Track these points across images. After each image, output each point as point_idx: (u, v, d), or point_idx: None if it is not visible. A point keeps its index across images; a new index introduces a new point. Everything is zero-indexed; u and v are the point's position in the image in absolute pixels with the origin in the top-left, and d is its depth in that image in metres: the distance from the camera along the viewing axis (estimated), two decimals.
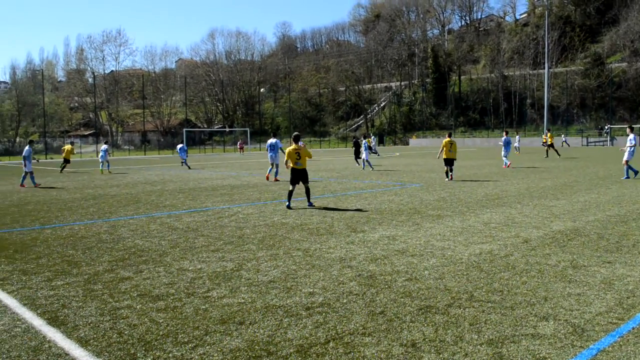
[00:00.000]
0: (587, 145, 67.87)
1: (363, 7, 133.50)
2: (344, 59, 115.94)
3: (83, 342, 5.07)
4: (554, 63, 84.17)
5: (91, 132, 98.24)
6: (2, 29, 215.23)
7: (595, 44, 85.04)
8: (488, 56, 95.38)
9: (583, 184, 18.72)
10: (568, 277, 7.00)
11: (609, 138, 67.50)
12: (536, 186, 18.34)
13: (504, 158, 28.71)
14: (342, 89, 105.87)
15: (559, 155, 38.11)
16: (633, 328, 5.24)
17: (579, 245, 8.87)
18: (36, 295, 6.60)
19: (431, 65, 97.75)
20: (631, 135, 20.70)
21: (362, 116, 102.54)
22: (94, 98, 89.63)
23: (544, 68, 77.32)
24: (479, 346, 4.85)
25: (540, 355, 4.65)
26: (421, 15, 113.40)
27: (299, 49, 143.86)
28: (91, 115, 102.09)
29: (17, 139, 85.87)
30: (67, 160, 32.45)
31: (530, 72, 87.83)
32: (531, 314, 5.64)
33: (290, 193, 14.16)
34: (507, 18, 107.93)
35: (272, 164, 22.51)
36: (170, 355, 4.77)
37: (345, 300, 6.18)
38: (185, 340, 5.10)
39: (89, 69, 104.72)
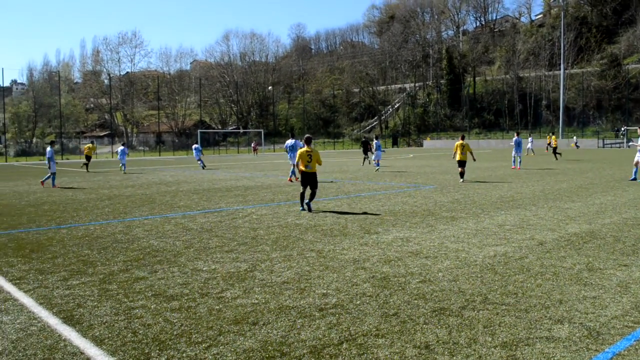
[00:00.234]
0: (604, 147, 67.28)
1: (377, 8, 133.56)
2: (358, 60, 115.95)
3: (98, 341, 5.11)
4: (569, 64, 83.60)
5: (106, 133, 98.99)
6: (19, 31, 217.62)
7: (612, 45, 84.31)
8: (503, 57, 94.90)
9: (599, 186, 18.57)
10: (583, 280, 6.94)
11: (625, 140, 66.85)
12: (551, 188, 18.22)
13: (514, 158, 29.00)
14: (356, 90, 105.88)
15: (556, 158, 37.68)
16: None
17: (595, 248, 8.80)
18: (52, 294, 6.66)
19: (446, 66, 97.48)
20: None
21: (376, 117, 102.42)
22: (109, 99, 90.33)
23: (560, 69, 76.84)
24: (492, 349, 4.82)
25: (555, 358, 4.62)
26: (436, 16, 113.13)
27: (313, 51, 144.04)
28: (106, 117, 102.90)
29: (34, 140, 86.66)
30: (88, 157, 34.78)
31: (546, 73, 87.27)
32: (546, 316, 5.61)
33: (303, 196, 13.97)
34: (522, 19, 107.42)
35: (293, 165, 22.68)
36: (184, 355, 4.80)
37: (358, 302, 6.18)
38: (199, 340, 5.13)
39: (104, 70, 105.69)
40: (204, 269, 7.82)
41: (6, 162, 55.01)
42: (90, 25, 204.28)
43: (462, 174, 21.21)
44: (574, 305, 5.96)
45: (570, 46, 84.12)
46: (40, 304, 6.28)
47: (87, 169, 34.11)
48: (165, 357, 4.76)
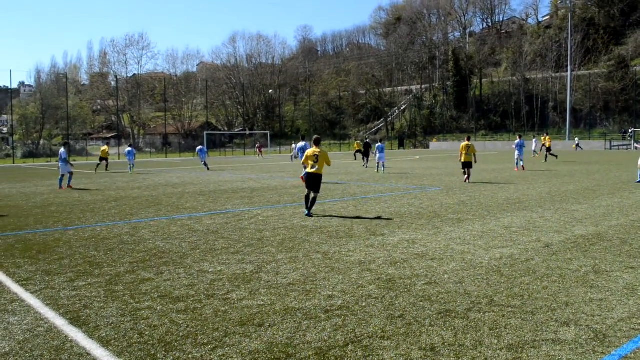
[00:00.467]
0: (611, 149, 67.01)
1: (384, 10, 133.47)
2: (365, 62, 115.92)
3: (104, 342, 5.13)
4: (577, 66, 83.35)
5: (113, 134, 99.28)
6: (27, 33, 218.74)
7: (620, 47, 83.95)
8: (510, 59, 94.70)
9: (606, 188, 18.50)
10: (590, 283, 6.92)
11: (632, 142, 66.56)
12: (558, 190, 18.16)
13: (517, 160, 29.31)
14: (363, 92, 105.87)
15: (546, 160, 37.48)
16: None
17: (602, 250, 8.77)
18: (59, 295, 6.69)
19: (452, 68, 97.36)
20: None
21: (382, 119, 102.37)
22: (116, 101, 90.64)
23: (567, 71, 76.61)
24: (498, 351, 4.81)
25: None
26: (442, 18, 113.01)
27: (319, 52, 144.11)
28: (113, 118, 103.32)
29: (41, 142, 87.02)
30: (103, 159, 36.10)
31: (553, 75, 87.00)
32: (552, 319, 5.59)
33: (307, 198, 13.40)
34: (529, 20, 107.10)
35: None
36: (190, 356, 4.81)
37: (364, 304, 6.18)
38: (205, 341, 5.14)
39: (111, 72, 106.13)
40: (210, 270, 7.84)
41: (14, 163, 55.26)
42: (97, 27, 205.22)
43: (465, 174, 21.61)
44: (580, 307, 5.94)
45: (578, 48, 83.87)
46: (47, 305, 6.30)
47: (106, 168, 35.81)
48: (171, 358, 4.77)
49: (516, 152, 29.34)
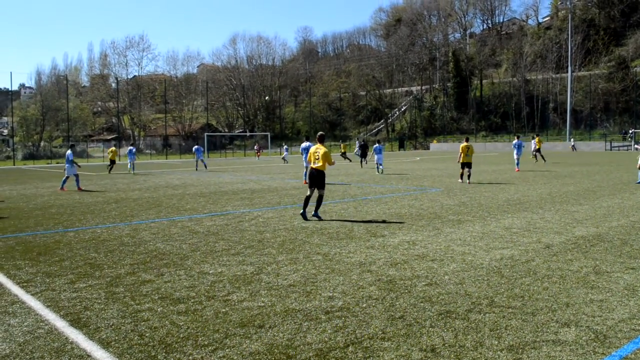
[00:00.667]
0: (611, 150, 67.00)
1: (384, 11, 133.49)
2: (365, 64, 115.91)
3: (105, 344, 5.14)
4: (577, 67, 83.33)
5: (114, 136, 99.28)
6: (27, 35, 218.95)
7: (620, 47, 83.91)
8: (510, 60, 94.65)
9: (606, 189, 18.50)
10: (590, 283, 6.92)
11: (633, 142, 66.53)
12: (558, 191, 18.16)
13: (517, 161, 29.68)
14: (363, 93, 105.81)
15: (536, 160, 37.57)
16: None
17: (602, 251, 8.77)
18: (59, 297, 6.70)
19: (452, 69, 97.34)
20: None
21: (382, 120, 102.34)
22: (116, 103, 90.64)
23: (567, 72, 76.59)
24: (499, 352, 4.81)
25: None
26: (442, 19, 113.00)
27: (320, 54, 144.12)
28: (114, 120, 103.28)
29: (42, 144, 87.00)
30: (112, 162, 36.41)
31: (553, 75, 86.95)
32: (552, 320, 5.59)
33: (307, 199, 12.97)
34: (529, 21, 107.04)
35: (306, 168, 23.00)
36: (191, 357, 4.81)
37: (364, 305, 6.18)
38: (206, 343, 5.14)
39: (112, 74, 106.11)
40: (211, 272, 7.84)
41: (14, 165, 55.27)
42: (97, 29, 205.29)
43: (462, 175, 22.09)
44: (580, 308, 5.95)
45: (578, 48, 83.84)
46: (48, 306, 6.31)
47: (109, 171, 36.05)
48: (172, 359, 4.78)
49: (515, 153, 29.75)
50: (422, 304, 6.17)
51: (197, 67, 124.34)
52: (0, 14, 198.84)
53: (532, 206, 14.43)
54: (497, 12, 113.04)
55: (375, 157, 29.19)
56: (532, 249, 9.04)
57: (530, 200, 15.84)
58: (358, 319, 5.72)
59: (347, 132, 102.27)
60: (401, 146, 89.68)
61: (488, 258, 8.39)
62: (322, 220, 12.63)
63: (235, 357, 4.80)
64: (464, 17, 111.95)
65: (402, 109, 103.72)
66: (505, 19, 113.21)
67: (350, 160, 44.10)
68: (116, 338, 5.29)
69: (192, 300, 6.47)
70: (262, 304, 6.27)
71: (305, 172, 23.17)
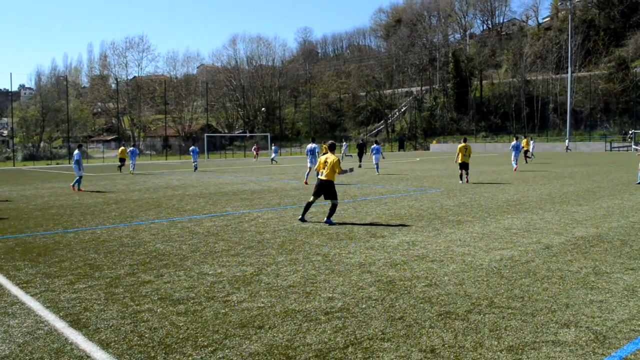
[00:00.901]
0: (611, 151, 66.99)
1: (384, 11, 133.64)
2: (365, 64, 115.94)
3: (104, 345, 5.13)
4: (577, 67, 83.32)
5: (113, 137, 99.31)
6: (27, 36, 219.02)
7: (620, 48, 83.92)
8: (510, 60, 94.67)
9: (606, 190, 18.50)
10: (590, 284, 6.92)
11: (633, 143, 66.52)
12: (558, 192, 18.17)
13: (513, 162, 30.05)
14: (363, 94, 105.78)
15: (526, 161, 38.04)
16: None
17: (602, 252, 8.77)
18: (59, 298, 6.69)
19: (452, 70, 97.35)
20: None
21: (382, 121, 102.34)
22: (116, 103, 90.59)
23: (567, 72, 76.59)
24: (498, 352, 4.81)
25: None
26: (442, 20, 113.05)
27: (319, 54, 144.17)
28: (114, 121, 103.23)
29: (42, 144, 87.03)
30: (122, 160, 37.17)
31: (553, 76, 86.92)
32: (552, 320, 5.59)
33: (308, 205, 12.72)
34: (529, 22, 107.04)
35: (310, 168, 23.32)
36: (190, 358, 4.81)
37: (364, 306, 6.18)
38: (205, 343, 5.14)
39: (112, 74, 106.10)
40: (210, 272, 7.84)
41: (14, 166, 55.26)
42: (97, 29, 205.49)
43: (461, 176, 22.42)
44: (580, 309, 5.95)
45: (578, 49, 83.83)
46: (47, 307, 6.31)
47: (120, 169, 37.23)
48: None
49: (513, 153, 30.20)
50: (421, 305, 6.17)
51: (197, 67, 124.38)
52: (0, 15, 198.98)
53: (531, 207, 14.43)
54: (497, 12, 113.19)
55: (373, 157, 29.25)
56: (531, 249, 9.04)
57: (530, 200, 15.84)
58: (358, 319, 5.72)
59: (347, 133, 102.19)
60: (401, 147, 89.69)
61: (488, 259, 8.39)
62: (333, 224, 12.13)
63: (235, 358, 4.80)
64: (464, 17, 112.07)
65: (402, 110, 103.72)
66: (505, 20, 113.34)
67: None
68: (116, 339, 5.29)
69: (191, 301, 6.47)
70: (262, 305, 6.27)
71: (308, 173, 23.35)
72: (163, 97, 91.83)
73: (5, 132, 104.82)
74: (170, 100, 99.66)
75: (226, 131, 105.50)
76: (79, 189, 21.95)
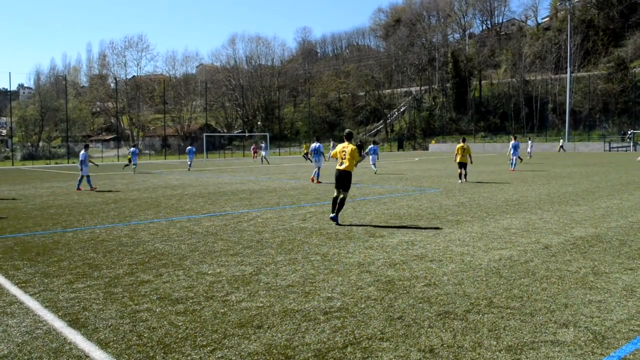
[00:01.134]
0: (610, 151, 67.04)
1: (383, 11, 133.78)
2: (364, 64, 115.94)
3: (103, 345, 5.13)
4: (576, 67, 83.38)
5: (112, 136, 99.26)
6: (26, 35, 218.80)
7: (619, 48, 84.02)
8: (509, 61, 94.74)
9: (605, 190, 18.51)
10: (589, 284, 6.92)
11: (632, 143, 66.57)
12: (557, 192, 18.17)
13: (512, 160, 30.59)
14: (362, 93, 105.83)
15: (521, 160, 38.15)
16: None
17: (601, 252, 8.77)
18: (57, 297, 6.69)
19: (451, 69, 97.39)
20: None
21: (381, 121, 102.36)
22: (115, 103, 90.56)
23: (566, 72, 76.64)
24: (497, 352, 4.81)
25: None
26: (442, 20, 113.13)
27: (319, 54, 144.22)
28: (113, 120, 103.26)
29: (41, 144, 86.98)
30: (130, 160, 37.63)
31: (552, 76, 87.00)
32: (551, 320, 5.59)
33: (335, 201, 12.30)
34: (528, 22, 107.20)
35: (318, 168, 23.88)
36: (189, 358, 4.81)
37: (363, 305, 6.18)
38: (204, 343, 5.14)
39: (111, 74, 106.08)
40: (209, 272, 7.84)
41: (13, 165, 55.23)
42: (96, 29, 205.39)
43: (461, 175, 22.69)
44: (579, 309, 5.95)
45: (577, 49, 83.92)
46: (46, 307, 6.30)
47: (124, 168, 38.41)
48: None
49: (511, 154, 30.54)
50: (420, 305, 6.17)
51: (196, 67, 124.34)
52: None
53: (530, 207, 14.44)
54: (496, 12, 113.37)
55: (370, 157, 29.39)
56: (530, 249, 9.04)
57: (529, 200, 15.85)
58: (357, 319, 5.72)
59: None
60: (400, 147, 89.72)
61: (487, 258, 8.39)
62: (338, 224, 12.00)
63: (234, 358, 4.80)
64: (463, 17, 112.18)
65: (401, 110, 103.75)
66: (504, 20, 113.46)
67: (312, 161, 44.44)
68: (114, 338, 5.28)
69: (190, 301, 6.46)
70: (261, 305, 6.27)
71: (315, 172, 23.58)
72: (162, 96, 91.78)
73: (4, 132, 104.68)
74: (169, 100, 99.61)
75: (225, 131, 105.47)
76: (78, 188, 21.95)
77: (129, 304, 6.39)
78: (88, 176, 22.28)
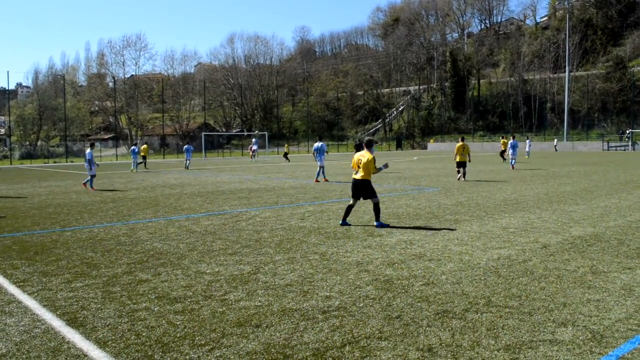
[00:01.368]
0: (608, 150, 67.10)
1: (382, 11, 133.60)
2: (363, 63, 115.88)
3: (101, 343, 5.13)
4: (574, 66, 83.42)
5: (111, 135, 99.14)
6: (25, 34, 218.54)
7: (617, 47, 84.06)
8: (508, 60, 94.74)
9: (603, 189, 18.52)
10: (587, 283, 6.93)
11: (630, 143, 66.63)
12: (555, 191, 18.18)
13: (511, 160, 31.14)
14: (361, 93, 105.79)
15: (504, 160, 38.92)
16: None
17: (599, 251, 8.78)
18: (56, 296, 6.68)
19: (450, 69, 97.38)
20: None
21: (380, 120, 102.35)
22: (114, 102, 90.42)
23: (565, 72, 76.65)
24: (496, 352, 4.82)
25: None
26: (440, 19, 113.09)
27: (317, 53, 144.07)
28: (111, 119, 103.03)
29: (39, 143, 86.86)
30: (145, 157, 39.02)
31: (551, 75, 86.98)
32: (549, 319, 5.60)
33: (348, 208, 11.92)
34: (527, 21, 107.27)
35: (320, 167, 24.08)
36: (187, 357, 4.80)
37: (361, 304, 6.17)
38: (202, 342, 5.13)
39: (109, 73, 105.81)
40: (208, 271, 7.83)
41: (11, 164, 55.15)
42: (95, 28, 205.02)
43: (459, 173, 23.01)
44: (577, 308, 5.95)
45: (575, 48, 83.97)
46: (44, 306, 6.30)
47: (145, 165, 39.00)
48: (169, 359, 4.77)
49: (510, 152, 31.01)
50: (419, 304, 6.17)
51: (195, 66, 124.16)
52: None
53: (529, 206, 14.45)
54: (494, 12, 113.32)
55: None
56: (529, 248, 9.04)
57: (528, 200, 15.85)
58: (355, 318, 5.72)
59: (344, 132, 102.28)
60: (399, 146, 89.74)
61: (485, 258, 8.39)
62: (389, 227, 11.54)
63: (232, 357, 4.80)
64: (462, 16, 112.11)
65: (400, 109, 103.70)
66: (503, 19, 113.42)
67: (290, 161, 45.12)
68: (113, 337, 5.28)
69: (189, 300, 6.46)
70: (259, 304, 6.26)
71: (318, 172, 23.62)
72: (160, 95, 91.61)
73: (3, 131, 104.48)
74: (168, 99, 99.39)
75: (223, 130, 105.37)
76: (91, 187, 21.67)
77: (128, 303, 6.38)
78: (93, 176, 22.07)
